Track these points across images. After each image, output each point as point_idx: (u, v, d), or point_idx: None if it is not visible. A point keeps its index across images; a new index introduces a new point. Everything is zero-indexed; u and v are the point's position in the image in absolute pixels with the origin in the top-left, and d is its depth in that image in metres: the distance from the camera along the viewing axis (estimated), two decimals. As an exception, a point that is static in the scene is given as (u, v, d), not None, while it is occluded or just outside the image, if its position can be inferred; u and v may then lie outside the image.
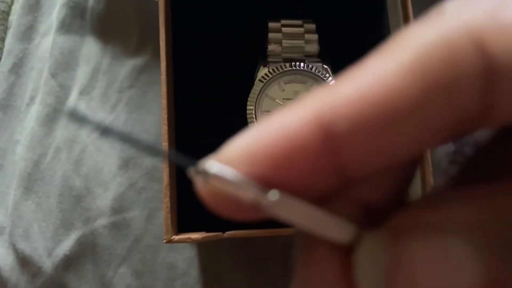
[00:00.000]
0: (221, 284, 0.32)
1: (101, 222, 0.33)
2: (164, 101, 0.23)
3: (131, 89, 0.34)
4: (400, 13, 0.26)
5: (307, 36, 0.24)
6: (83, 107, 0.35)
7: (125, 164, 0.33)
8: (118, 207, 0.33)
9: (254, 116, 0.24)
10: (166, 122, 0.23)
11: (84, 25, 0.36)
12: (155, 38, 0.35)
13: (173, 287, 0.32)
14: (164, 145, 0.23)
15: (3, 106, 0.36)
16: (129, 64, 0.35)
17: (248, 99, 0.24)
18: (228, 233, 0.24)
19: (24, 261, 0.33)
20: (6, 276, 0.33)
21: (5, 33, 0.41)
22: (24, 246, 0.33)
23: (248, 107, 0.24)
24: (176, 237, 0.23)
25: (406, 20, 0.25)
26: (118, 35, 0.35)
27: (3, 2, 0.42)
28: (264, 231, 0.24)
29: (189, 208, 0.27)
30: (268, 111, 0.24)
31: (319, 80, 0.24)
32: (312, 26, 0.25)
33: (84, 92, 0.35)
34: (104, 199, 0.33)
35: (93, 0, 0.36)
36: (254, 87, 0.24)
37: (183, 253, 0.33)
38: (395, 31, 0.27)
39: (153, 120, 0.34)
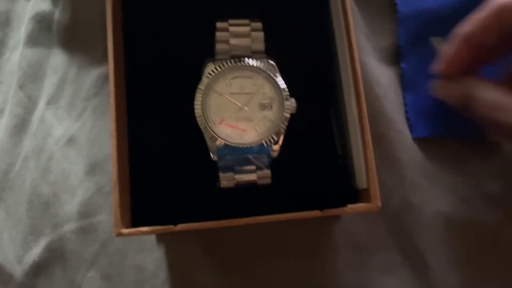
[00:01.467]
0: (191, 284, 0.32)
1: (69, 227, 0.33)
2: (112, 98, 0.24)
3: (96, 97, 0.35)
4: (340, 12, 0.27)
5: (253, 34, 0.25)
6: (50, 116, 0.35)
7: (92, 170, 0.34)
8: (85, 212, 0.33)
9: (201, 112, 0.24)
10: (114, 119, 0.24)
11: (51, 37, 0.37)
12: (119, 47, 0.36)
13: (142, 289, 0.32)
14: (113, 142, 0.24)
15: (-27, 119, 0.37)
16: (94, 73, 0.36)
17: (195, 95, 0.24)
18: (180, 226, 0.24)
19: (-5, 269, 0.34)
20: (-22, 286, 0.34)
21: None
22: (-6, 254, 0.34)
23: (195, 103, 0.24)
24: (126, 231, 0.24)
25: (345, 15, 0.26)
26: (84, 46, 0.36)
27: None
28: (217, 223, 0.24)
29: (142, 203, 0.27)
30: (214, 107, 0.25)
31: (264, 75, 0.25)
32: (259, 25, 0.26)
33: (52, 101, 0.36)
34: (71, 204, 0.33)
35: (58, 14, 0.37)
36: (201, 82, 0.24)
37: (151, 255, 0.33)
38: (337, 27, 0.28)
39: (119, 126, 0.35)
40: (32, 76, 0.36)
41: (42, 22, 0.37)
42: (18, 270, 0.33)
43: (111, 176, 0.33)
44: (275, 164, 0.26)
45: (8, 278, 0.33)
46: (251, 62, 0.25)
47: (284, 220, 0.30)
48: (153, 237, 0.34)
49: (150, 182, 0.28)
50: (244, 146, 0.24)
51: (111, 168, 0.24)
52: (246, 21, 0.25)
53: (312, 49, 0.29)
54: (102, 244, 0.33)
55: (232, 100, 0.25)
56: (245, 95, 0.25)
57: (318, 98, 0.29)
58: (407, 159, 0.34)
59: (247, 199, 0.27)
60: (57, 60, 0.36)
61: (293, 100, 0.25)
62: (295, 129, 0.26)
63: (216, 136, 0.24)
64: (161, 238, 0.33)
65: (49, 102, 0.36)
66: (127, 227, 0.24)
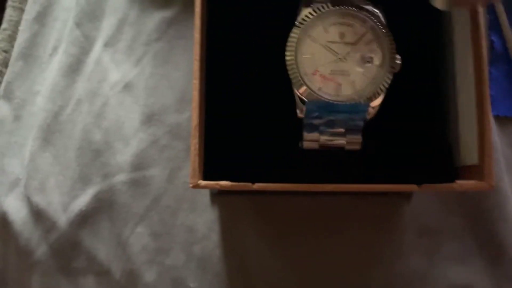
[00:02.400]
0: (243, 250, 0.31)
1: (120, 178, 0.31)
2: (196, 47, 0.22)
3: (158, 43, 0.33)
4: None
5: None
6: (107, 59, 0.33)
7: (148, 120, 0.32)
8: (138, 164, 0.31)
9: (294, 60, 0.22)
10: (198, 58, 0.22)
11: (112, -27, 0.34)
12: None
13: (191, 251, 0.31)
14: (195, 82, 0.22)
15: (24, 55, 0.35)
16: (157, 16, 0.33)
17: (288, 40, 0.22)
18: (257, 185, 0.22)
19: (38, 215, 0.32)
20: (19, 230, 0.32)
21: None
22: (39, 199, 0.32)
23: (287, 49, 0.22)
24: (203, 182, 0.22)
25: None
26: (148, -14, 0.34)
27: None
28: (298, 186, 0.22)
29: (217, 156, 0.25)
30: (308, 56, 0.22)
31: (369, 23, 0.22)
32: None
33: (109, 43, 0.34)
34: (124, 154, 0.32)
35: None
36: (294, 27, 0.22)
37: (203, 216, 0.31)
38: None
39: (180, 76, 0.32)
40: (90, 15, 0.34)
41: (104, -44, 0.34)
42: (62, 218, 0.32)
43: (168, 129, 0.32)
44: (367, 128, 0.23)
45: (50, 225, 0.32)
46: (354, 8, 0.22)
47: (353, 192, 0.28)
48: (206, 198, 0.32)
49: (227, 134, 0.26)
50: (338, 103, 0.22)
51: (191, 113, 0.22)
52: None
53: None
54: (154, 199, 0.31)
55: (329, 49, 0.22)
56: (345, 45, 0.22)
57: (425, 60, 0.26)
58: None
59: (331, 164, 0.24)
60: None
61: (398, 56, 0.22)
62: (395, 91, 0.23)
63: (308, 88, 0.22)
64: (215, 199, 0.31)
65: (107, 44, 0.33)
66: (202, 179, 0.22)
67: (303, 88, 0.22)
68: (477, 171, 0.23)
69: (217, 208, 0.31)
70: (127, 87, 0.33)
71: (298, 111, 0.23)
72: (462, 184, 0.22)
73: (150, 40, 0.33)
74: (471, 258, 0.30)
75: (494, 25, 0.33)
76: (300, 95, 0.22)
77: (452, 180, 0.23)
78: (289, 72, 0.22)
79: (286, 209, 0.31)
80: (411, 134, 0.26)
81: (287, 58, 0.22)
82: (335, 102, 0.22)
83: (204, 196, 0.32)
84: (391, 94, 0.23)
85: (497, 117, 0.32)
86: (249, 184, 0.22)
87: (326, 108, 0.22)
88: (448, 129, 0.26)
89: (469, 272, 0.30)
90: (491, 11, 0.34)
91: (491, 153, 0.22)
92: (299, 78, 0.22)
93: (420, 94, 0.26)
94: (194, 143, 0.22)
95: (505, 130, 0.32)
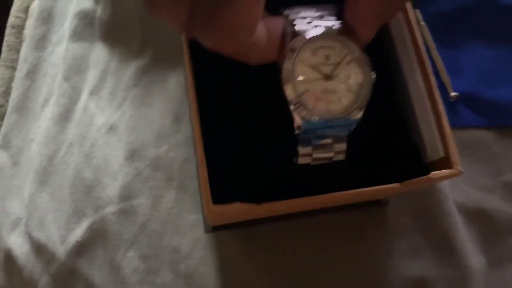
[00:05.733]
0: (226, 265, 0.34)
1: (110, 209, 0.35)
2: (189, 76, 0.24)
3: (135, 88, 0.37)
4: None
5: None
6: (93, 106, 0.38)
7: (131, 156, 0.36)
8: (125, 195, 0.35)
9: (290, 81, 0.23)
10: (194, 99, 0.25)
11: (93, 33, 0.40)
12: (155, 40, 0.38)
13: (178, 269, 0.34)
14: (195, 120, 0.24)
15: (19, 108, 0.40)
16: (133, 66, 0.38)
17: (284, 62, 0.23)
18: (263, 205, 0.24)
19: (39, 249, 0.35)
20: (22, 264, 0.35)
21: (20, 45, 0.45)
22: (39, 235, 0.35)
23: (283, 69, 0.23)
24: (218, 207, 0.23)
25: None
26: (123, 40, 0.39)
27: (17, 17, 0.46)
28: (297, 201, 0.24)
29: (220, 181, 0.26)
30: (301, 78, 0.23)
31: (347, 45, 0.24)
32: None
33: (94, 92, 0.38)
34: (112, 188, 0.35)
35: (100, 10, 0.39)
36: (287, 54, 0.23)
37: (185, 236, 0.35)
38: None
39: (156, 115, 0.37)
40: (76, 69, 0.39)
41: (85, 19, 0.39)
42: (61, 250, 0.35)
43: (149, 162, 0.36)
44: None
45: (51, 256, 0.35)
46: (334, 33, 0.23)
47: (332, 210, 0.31)
48: (188, 220, 0.35)
49: (226, 159, 0.28)
50: (333, 118, 0.23)
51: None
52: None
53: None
54: (141, 225, 0.35)
55: (318, 70, 0.23)
56: (330, 65, 0.23)
57: (381, 72, 0.27)
58: None
59: (321, 177, 0.26)
60: (99, 54, 0.39)
61: (374, 73, 0.24)
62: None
63: (304, 108, 0.23)
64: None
65: (92, 93, 0.38)
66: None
67: (299, 109, 0.23)
68: (444, 163, 0.25)
69: (198, 230, 0.35)
70: (111, 128, 0.37)
71: (296, 128, 0.24)
72: (437, 174, 0.24)
73: (128, 86, 0.38)
74: (423, 253, 0.34)
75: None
76: (297, 114, 0.23)
77: (427, 174, 0.24)
78: (287, 94, 0.23)
79: (270, 231, 0.34)
80: (386, 141, 0.28)
81: (284, 83, 0.23)
82: (328, 118, 0.23)
83: (186, 219, 0.35)
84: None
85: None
86: (255, 205, 0.24)
87: (320, 124, 0.23)
88: (414, 134, 0.28)
89: (421, 265, 0.34)
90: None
91: (453, 144, 0.24)
92: (297, 99, 0.23)
93: (378, 102, 0.27)
94: (202, 173, 0.24)
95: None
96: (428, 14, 0.39)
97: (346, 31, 0.23)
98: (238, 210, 0.24)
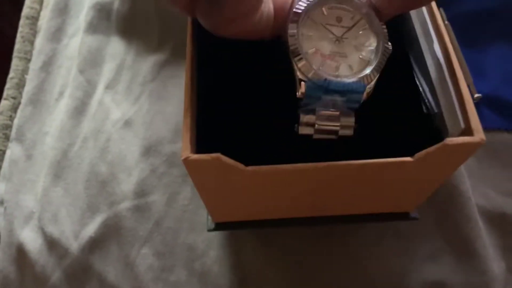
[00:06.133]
0: (241, 265, 0.33)
1: (125, 205, 0.35)
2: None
3: (152, 82, 0.37)
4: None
5: None
6: (108, 100, 0.37)
7: (147, 152, 0.35)
8: (140, 191, 0.35)
9: (296, 37, 0.22)
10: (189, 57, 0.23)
11: (110, 26, 0.39)
12: (174, 36, 0.38)
13: (192, 267, 0.34)
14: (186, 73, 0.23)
15: (33, 101, 0.39)
16: (151, 60, 0.37)
17: (290, 20, 0.22)
18: (251, 167, 0.21)
19: (52, 244, 0.35)
20: (35, 259, 0.35)
21: (34, 36, 0.44)
22: (52, 230, 0.35)
23: (289, 28, 0.21)
24: (194, 156, 0.21)
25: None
26: (141, 34, 0.38)
27: (32, 8, 0.45)
28: (293, 166, 0.21)
29: (209, 137, 0.24)
30: (310, 34, 0.22)
31: (362, 10, 0.23)
32: None
33: (110, 86, 0.38)
34: (127, 184, 0.35)
35: (118, 3, 0.39)
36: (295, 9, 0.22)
37: (201, 234, 0.34)
38: None
39: (172, 110, 0.36)
40: (91, 62, 0.38)
41: (101, 11, 0.39)
42: (74, 245, 0.35)
43: (164, 158, 0.35)
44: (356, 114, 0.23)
45: (64, 252, 0.35)
46: None
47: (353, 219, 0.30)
48: (204, 218, 0.35)
49: (219, 115, 0.25)
50: (338, 81, 0.21)
51: (183, 99, 0.22)
52: None
53: None
54: (156, 222, 0.34)
55: (328, 30, 0.22)
56: (342, 28, 0.22)
57: (398, 44, 0.26)
58: None
59: (324, 151, 0.23)
60: (116, 47, 0.38)
61: (389, 43, 0.22)
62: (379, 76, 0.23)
63: (309, 65, 0.21)
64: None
65: (108, 87, 0.37)
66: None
67: (304, 64, 0.21)
68: (465, 134, 0.22)
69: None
70: (127, 123, 0.36)
71: (298, 92, 0.22)
72: (453, 140, 0.21)
73: (145, 80, 0.37)
74: (442, 257, 0.33)
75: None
76: (301, 72, 0.21)
77: None
78: (291, 48, 0.21)
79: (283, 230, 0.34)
80: (401, 116, 0.25)
81: (289, 32, 0.21)
82: (335, 80, 0.21)
83: (201, 217, 0.35)
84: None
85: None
86: (241, 164, 0.21)
87: (326, 86, 0.21)
88: (434, 109, 0.26)
89: (441, 270, 0.33)
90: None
91: (474, 113, 0.22)
92: (301, 55, 0.21)
93: (396, 75, 0.25)
94: (186, 122, 0.21)
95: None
96: (452, 13, 0.39)
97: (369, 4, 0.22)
98: (218, 167, 0.21)
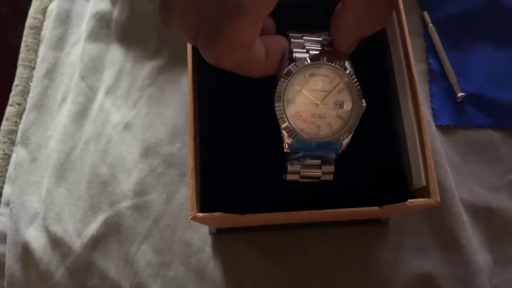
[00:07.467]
0: (234, 260, 0.35)
1: (125, 204, 0.36)
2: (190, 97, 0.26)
3: (150, 87, 0.39)
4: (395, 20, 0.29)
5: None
6: (109, 105, 0.39)
7: (146, 153, 0.37)
8: (140, 191, 0.36)
9: (282, 103, 0.25)
10: (192, 113, 0.26)
11: (110, 34, 0.41)
12: (171, 43, 0.40)
13: (189, 263, 0.35)
14: (190, 133, 0.26)
15: (37, 106, 0.41)
16: (149, 66, 0.39)
17: (279, 84, 0.24)
18: (246, 216, 0.25)
19: (55, 242, 0.37)
20: (39, 257, 0.37)
21: (38, 45, 0.46)
22: (56, 229, 0.37)
23: (277, 91, 0.25)
24: (201, 215, 0.25)
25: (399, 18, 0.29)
26: (139, 42, 0.40)
27: (35, 18, 0.47)
28: (280, 214, 0.25)
29: (211, 190, 0.29)
30: (292, 100, 0.25)
31: (339, 74, 0.25)
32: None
33: (110, 91, 0.39)
34: (127, 184, 0.37)
35: (117, 12, 0.41)
36: (282, 78, 0.25)
37: (197, 231, 0.36)
38: (391, 32, 0.30)
39: (170, 114, 0.38)
40: (92, 69, 0.40)
41: (102, 21, 0.41)
42: (77, 243, 0.36)
43: (163, 158, 0.37)
44: (336, 163, 0.26)
45: (67, 250, 0.36)
46: (328, 63, 0.25)
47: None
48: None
49: (219, 170, 0.29)
50: (317, 141, 0.25)
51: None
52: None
53: (369, 53, 0.30)
54: (155, 220, 0.36)
55: (309, 96, 0.25)
56: (321, 92, 0.25)
57: (378, 99, 0.30)
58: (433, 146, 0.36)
59: (308, 195, 0.28)
60: (115, 54, 0.40)
61: (364, 101, 0.25)
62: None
63: (293, 129, 0.24)
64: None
65: (108, 92, 0.39)
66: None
67: (288, 128, 0.24)
68: (426, 191, 0.26)
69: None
70: (127, 126, 0.38)
71: (285, 147, 0.25)
72: (413, 202, 0.26)
73: (144, 85, 0.39)
74: (430, 250, 0.35)
75: (430, 50, 0.39)
76: (285, 134, 0.25)
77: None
78: (277, 114, 0.24)
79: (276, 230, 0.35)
80: (374, 165, 0.30)
81: (276, 103, 0.25)
82: (316, 140, 0.25)
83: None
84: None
85: (440, 127, 0.37)
86: (239, 215, 0.25)
87: (307, 145, 0.25)
88: (404, 161, 0.29)
89: (428, 262, 0.34)
90: (428, 38, 0.40)
91: (433, 175, 0.26)
92: (286, 120, 0.24)
93: (376, 130, 0.30)
94: (191, 182, 0.25)
95: (448, 137, 0.37)
96: (437, 16, 0.40)
97: (332, 45, 0.25)
98: (222, 218, 0.26)
